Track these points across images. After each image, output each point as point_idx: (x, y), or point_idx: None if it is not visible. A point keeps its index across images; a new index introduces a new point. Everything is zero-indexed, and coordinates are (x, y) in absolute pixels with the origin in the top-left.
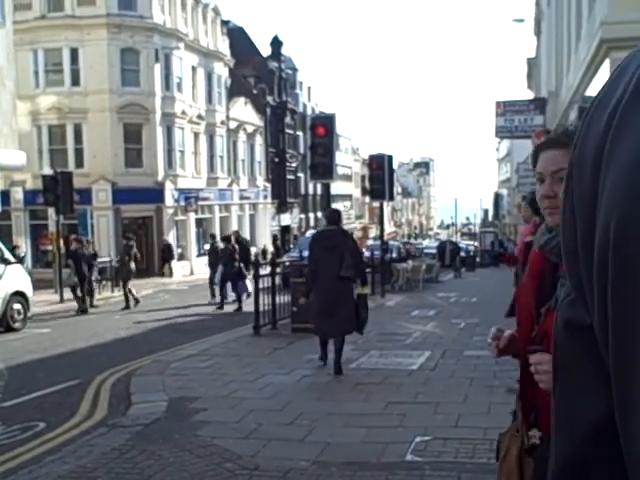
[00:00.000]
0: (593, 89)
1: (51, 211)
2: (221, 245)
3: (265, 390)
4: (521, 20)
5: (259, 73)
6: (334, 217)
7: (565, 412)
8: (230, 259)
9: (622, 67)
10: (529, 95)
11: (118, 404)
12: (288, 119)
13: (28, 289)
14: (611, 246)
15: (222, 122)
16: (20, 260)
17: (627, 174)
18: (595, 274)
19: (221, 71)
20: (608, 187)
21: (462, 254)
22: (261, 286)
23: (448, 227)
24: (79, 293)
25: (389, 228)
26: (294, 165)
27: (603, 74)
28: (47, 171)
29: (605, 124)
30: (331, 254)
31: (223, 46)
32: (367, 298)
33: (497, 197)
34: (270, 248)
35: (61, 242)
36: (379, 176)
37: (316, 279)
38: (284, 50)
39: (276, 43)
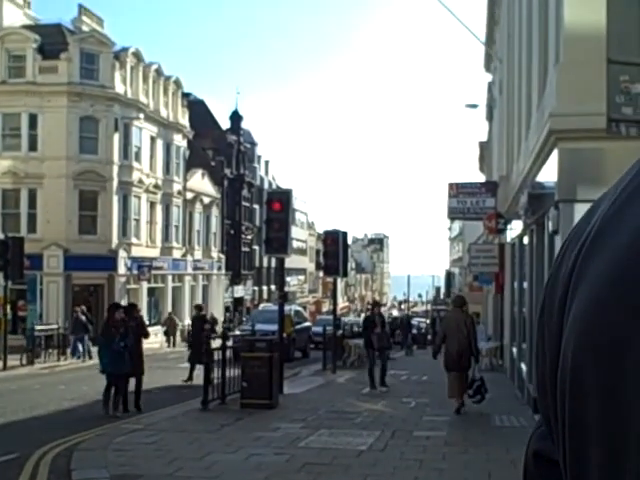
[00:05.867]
0: (542, 176)
1: None
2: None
3: (211, 469)
4: (474, 106)
5: (218, 146)
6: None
7: None
8: None
9: (593, 206)
10: (481, 178)
11: None
12: (245, 192)
13: None
14: (568, 375)
15: (179, 192)
16: None
17: (584, 311)
18: (558, 407)
19: (180, 142)
20: (570, 320)
21: (414, 331)
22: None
23: (401, 303)
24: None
25: (342, 303)
26: (249, 237)
27: (552, 163)
28: None
29: (572, 264)
30: None
31: (183, 118)
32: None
33: (449, 275)
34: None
35: (8, 308)
36: (333, 252)
37: None
38: (243, 124)
39: (235, 117)
